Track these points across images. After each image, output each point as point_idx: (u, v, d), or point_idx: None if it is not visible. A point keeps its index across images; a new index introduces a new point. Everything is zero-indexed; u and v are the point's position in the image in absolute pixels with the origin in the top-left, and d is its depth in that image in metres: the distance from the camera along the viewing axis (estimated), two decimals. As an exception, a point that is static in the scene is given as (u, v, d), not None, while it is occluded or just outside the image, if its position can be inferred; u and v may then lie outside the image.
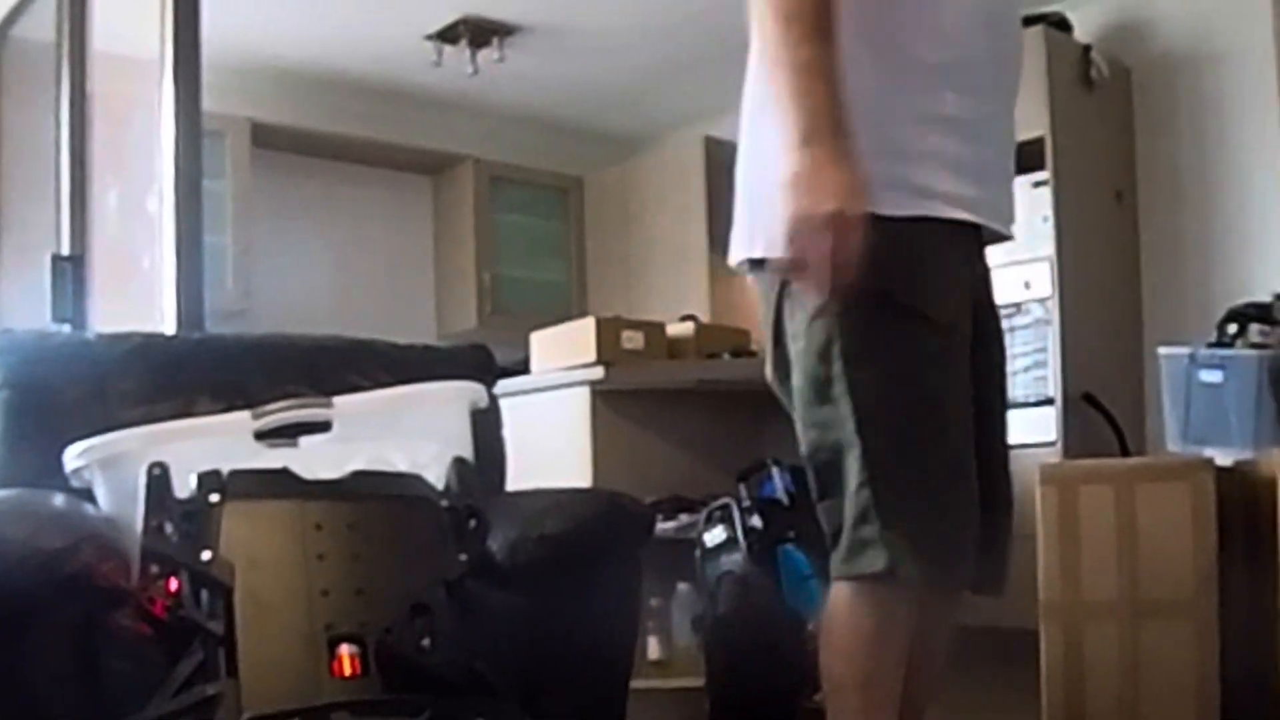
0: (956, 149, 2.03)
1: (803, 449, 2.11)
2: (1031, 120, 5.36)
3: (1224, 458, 3.60)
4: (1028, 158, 4.63)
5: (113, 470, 2.20)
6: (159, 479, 1.95)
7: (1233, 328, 4.82)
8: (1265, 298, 4.89)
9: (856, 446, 2.00)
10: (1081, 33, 5.70)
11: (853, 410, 2.00)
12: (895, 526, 2.00)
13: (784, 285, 2.07)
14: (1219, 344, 4.85)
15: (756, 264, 2.15)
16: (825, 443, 2.06)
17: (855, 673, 2.11)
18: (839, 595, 2.12)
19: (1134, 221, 5.59)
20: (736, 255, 2.17)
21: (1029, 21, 5.58)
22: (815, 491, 2.12)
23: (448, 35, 6.36)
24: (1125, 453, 5.05)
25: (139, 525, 1.92)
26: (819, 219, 1.82)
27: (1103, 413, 5.15)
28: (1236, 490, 3.36)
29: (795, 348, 2.09)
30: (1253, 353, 4.71)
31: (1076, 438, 5.09)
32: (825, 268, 1.85)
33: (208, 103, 3.78)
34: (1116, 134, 5.72)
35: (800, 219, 1.83)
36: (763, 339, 2.31)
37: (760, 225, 2.05)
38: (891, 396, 2.02)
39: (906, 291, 1.99)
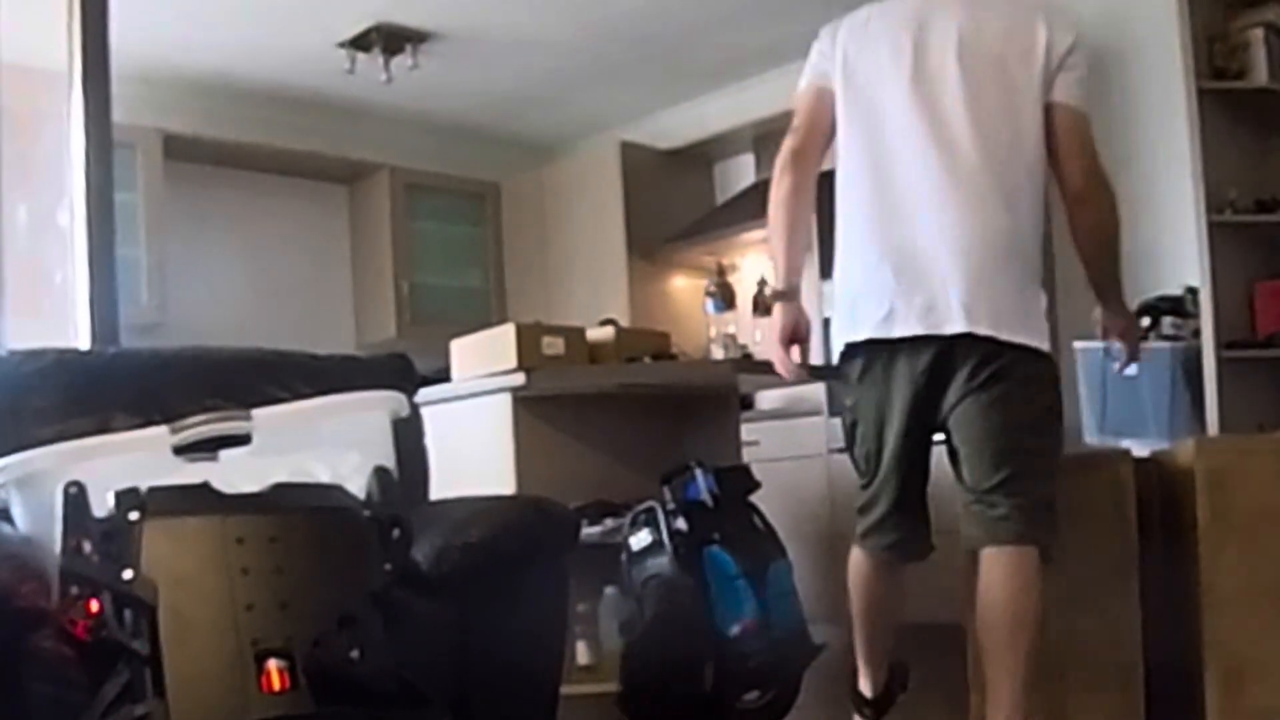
0: None
1: (1016, 452, 2.95)
2: (944, 119, 5.41)
3: (1140, 448, 3.65)
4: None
5: (29, 489, 2.17)
6: (76, 498, 1.92)
7: (1146, 321, 4.90)
8: (1177, 291, 4.98)
9: (1053, 462, 3.03)
10: (991, 32, 5.76)
11: (1057, 442, 3.08)
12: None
13: (1044, 360, 3.01)
14: (1133, 337, 4.92)
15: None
16: (1042, 459, 3.00)
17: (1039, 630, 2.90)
18: (1030, 560, 2.89)
19: (1046, 218, 5.65)
20: (1024, 340, 2.96)
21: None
22: (1008, 480, 2.94)
23: (360, 43, 6.33)
24: (1043, 446, 5.10)
25: (58, 545, 1.89)
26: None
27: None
28: (1154, 480, 3.40)
29: (1044, 399, 3.01)
30: (1166, 345, 4.79)
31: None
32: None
33: (118, 114, 3.74)
34: (1027, 131, 5.79)
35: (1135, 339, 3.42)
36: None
37: (1043, 329, 3.01)
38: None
39: None
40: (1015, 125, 3.00)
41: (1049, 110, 3.00)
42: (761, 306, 6.88)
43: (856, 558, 3.24)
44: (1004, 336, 2.92)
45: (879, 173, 3.08)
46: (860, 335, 3.06)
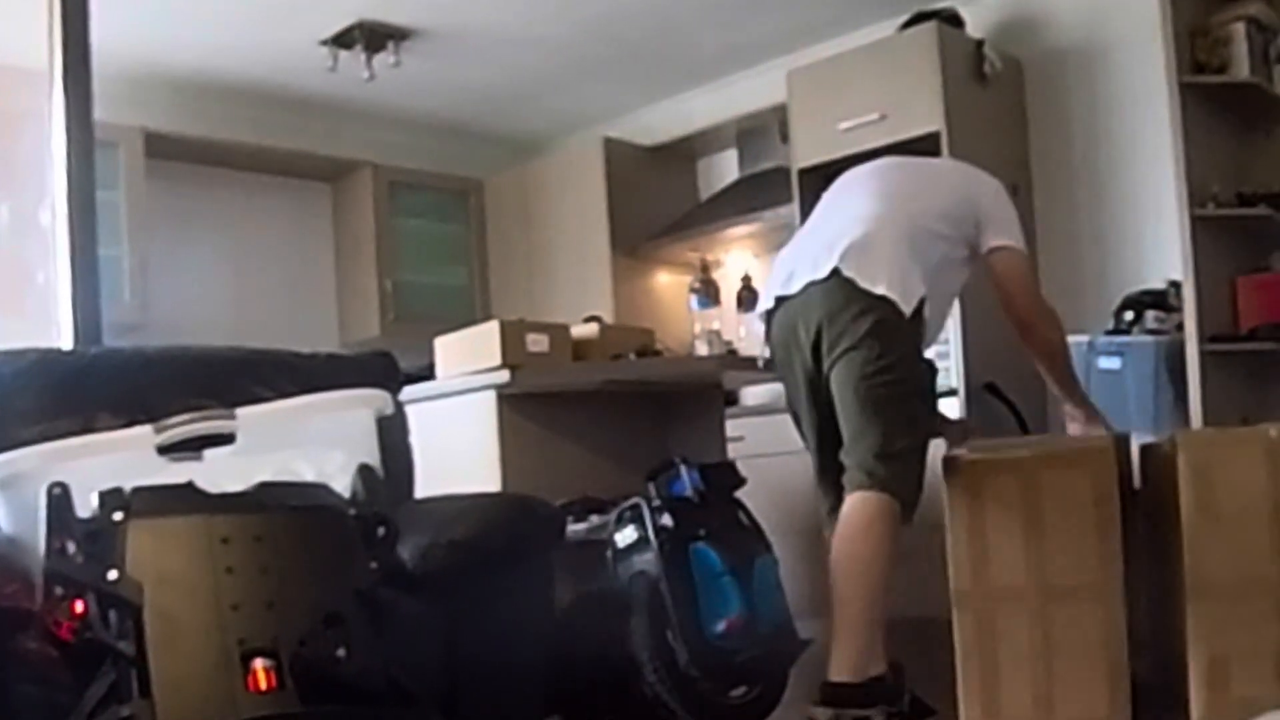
0: None
1: (868, 407, 3.29)
2: (926, 115, 5.43)
3: (1124, 442, 3.66)
4: (923, 152, 4.68)
5: (12, 490, 2.16)
6: (60, 499, 1.91)
7: (1129, 315, 4.91)
8: (1160, 284, 4.99)
9: (906, 413, 3.32)
10: (974, 27, 5.77)
11: (910, 396, 3.35)
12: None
13: (913, 318, 3.33)
14: (1116, 331, 4.94)
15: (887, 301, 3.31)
16: (894, 411, 3.29)
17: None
18: (870, 505, 3.22)
19: (1030, 213, 5.66)
20: (891, 295, 3.29)
21: (922, 18, 5.65)
22: (860, 433, 3.30)
23: (343, 40, 6.30)
24: (1028, 440, 5.12)
25: (41, 546, 1.88)
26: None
27: (1005, 402, 5.22)
28: (1139, 473, 3.41)
29: (907, 368, 3.33)
30: (1149, 338, 4.80)
31: (981, 427, 5.15)
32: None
33: (100, 113, 3.72)
34: (1010, 127, 5.80)
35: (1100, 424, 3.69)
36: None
37: (908, 297, 3.31)
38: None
39: None
40: (933, 194, 3.56)
41: (991, 254, 3.54)
42: (745, 303, 6.88)
43: None
44: (863, 283, 3.30)
45: (811, 222, 3.70)
46: (770, 301, 3.57)
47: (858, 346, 3.30)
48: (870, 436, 3.27)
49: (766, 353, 3.69)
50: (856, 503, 3.24)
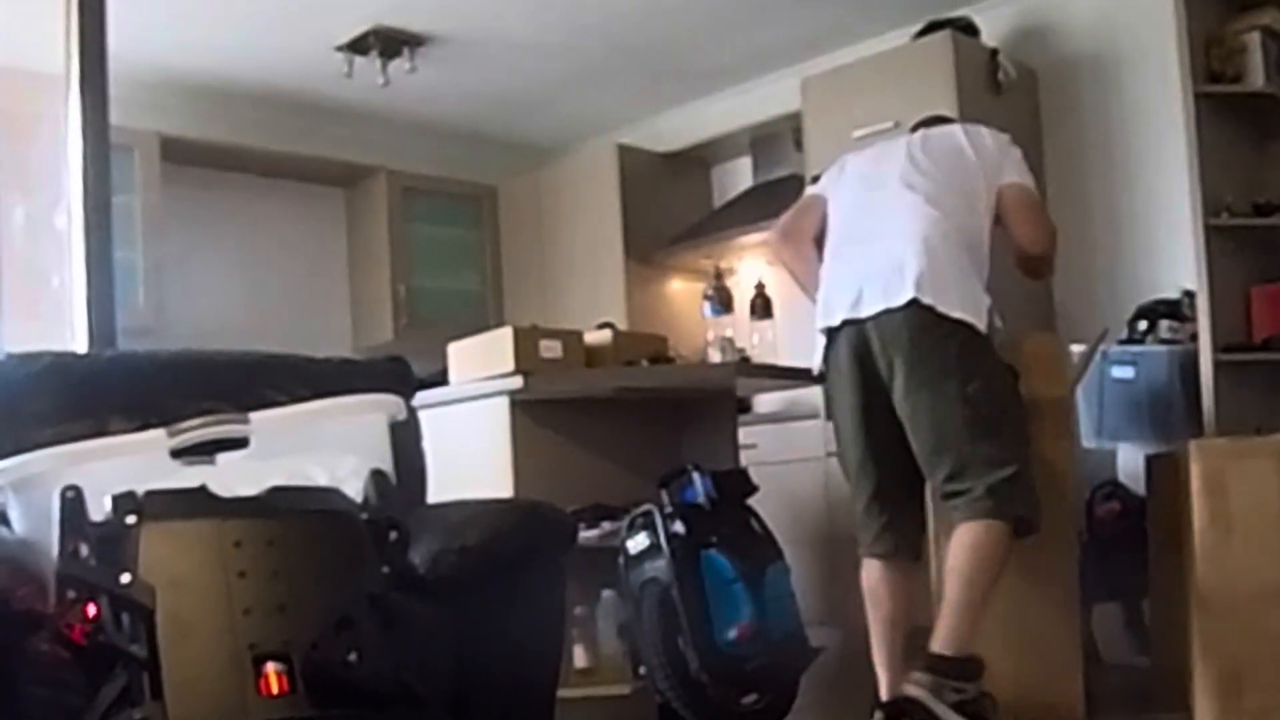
0: None
1: (997, 434, 3.34)
2: (941, 123, 5.42)
3: (1138, 452, 3.65)
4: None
5: (26, 493, 2.17)
6: (73, 501, 1.91)
7: (1143, 324, 4.89)
8: (1174, 294, 4.98)
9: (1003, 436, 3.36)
10: (989, 36, 5.77)
11: (1004, 415, 3.39)
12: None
13: (985, 339, 3.38)
14: (1130, 340, 4.92)
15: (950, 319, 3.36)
16: (990, 437, 3.32)
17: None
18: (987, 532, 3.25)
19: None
20: (960, 315, 3.35)
21: (937, 26, 5.65)
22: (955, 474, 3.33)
23: (358, 46, 6.32)
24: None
25: (55, 549, 1.89)
26: None
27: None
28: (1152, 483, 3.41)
29: (1001, 384, 3.42)
30: (1163, 348, 4.79)
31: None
32: None
33: (116, 117, 3.73)
34: (1024, 136, 5.76)
35: None
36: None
37: (980, 314, 3.37)
38: None
39: None
40: (964, 185, 3.58)
41: (1002, 192, 3.59)
42: (758, 310, 6.88)
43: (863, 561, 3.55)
44: (941, 309, 3.33)
45: (854, 217, 3.68)
46: (835, 320, 3.50)
47: (950, 373, 3.33)
48: (991, 461, 3.29)
49: (819, 365, 3.64)
50: (984, 530, 3.24)
